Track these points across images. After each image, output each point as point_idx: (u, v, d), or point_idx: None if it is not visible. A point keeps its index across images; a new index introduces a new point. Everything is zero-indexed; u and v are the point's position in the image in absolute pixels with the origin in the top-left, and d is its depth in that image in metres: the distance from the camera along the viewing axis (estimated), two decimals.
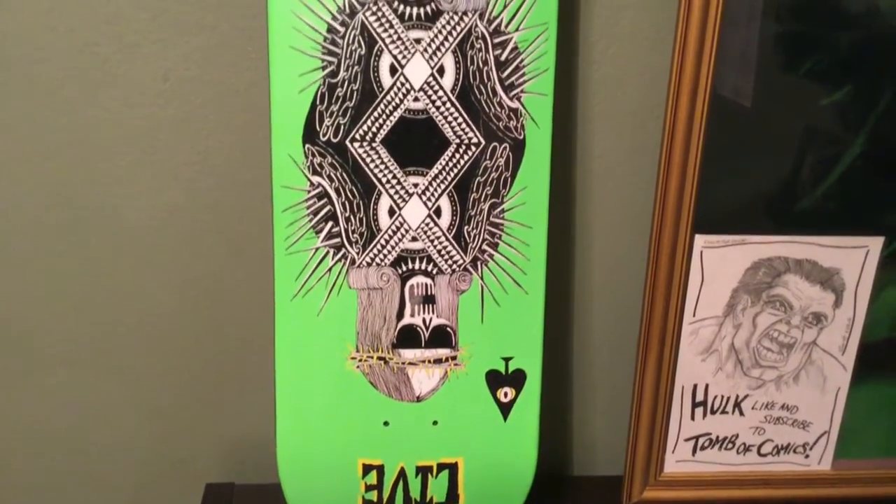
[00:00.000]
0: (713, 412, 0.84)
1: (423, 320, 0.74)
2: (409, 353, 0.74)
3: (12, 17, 0.71)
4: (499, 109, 0.69)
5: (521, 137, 0.70)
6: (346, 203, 0.70)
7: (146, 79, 0.74)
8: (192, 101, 0.75)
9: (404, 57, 0.67)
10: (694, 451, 0.85)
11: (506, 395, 0.76)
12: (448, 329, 0.74)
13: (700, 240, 0.76)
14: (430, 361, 0.75)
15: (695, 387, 0.82)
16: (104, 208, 0.79)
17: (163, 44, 0.73)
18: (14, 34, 0.72)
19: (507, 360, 0.75)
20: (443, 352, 0.75)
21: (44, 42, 0.72)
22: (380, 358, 0.74)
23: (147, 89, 0.74)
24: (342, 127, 0.68)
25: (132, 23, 0.72)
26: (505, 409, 0.77)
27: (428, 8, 0.66)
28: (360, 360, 0.74)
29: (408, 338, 0.74)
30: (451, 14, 0.66)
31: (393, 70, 0.67)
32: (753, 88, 0.71)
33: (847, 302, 0.80)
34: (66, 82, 0.74)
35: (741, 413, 0.84)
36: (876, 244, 0.77)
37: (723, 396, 0.83)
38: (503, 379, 0.76)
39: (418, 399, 0.76)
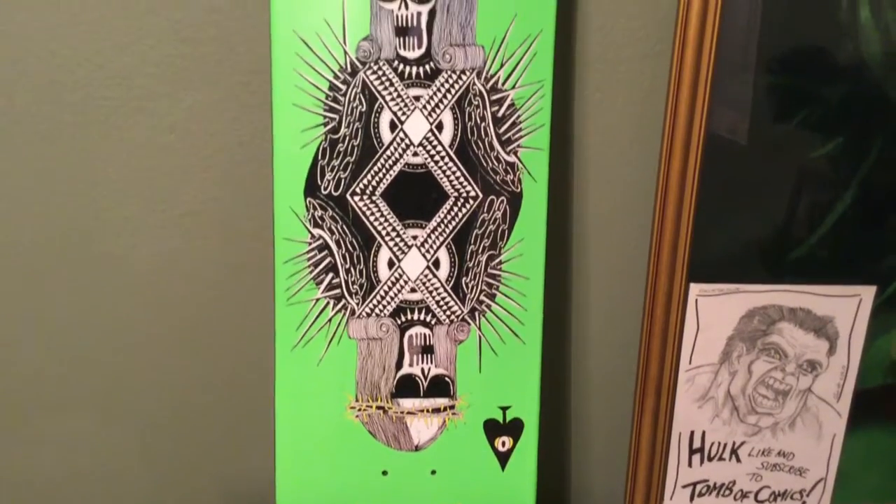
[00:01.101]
0: (710, 459, 0.84)
1: (422, 370, 0.74)
2: (407, 403, 0.75)
3: (23, 71, 0.73)
4: (496, 164, 0.70)
5: (518, 191, 0.71)
6: (347, 255, 0.71)
7: (152, 131, 0.76)
8: (196, 153, 0.77)
9: (404, 113, 0.68)
10: (692, 498, 0.85)
11: (504, 444, 0.77)
12: (446, 379, 0.75)
13: (695, 288, 0.78)
14: (428, 411, 0.75)
15: (692, 434, 0.83)
16: (108, 256, 0.80)
17: (169, 98, 0.75)
18: (24, 86, 0.74)
19: (504, 409, 0.76)
20: (441, 401, 0.75)
21: (54, 95, 0.74)
22: (379, 407, 0.75)
23: (152, 141, 0.76)
24: (343, 181, 0.70)
25: (139, 77, 0.74)
26: (503, 458, 0.77)
27: (427, 66, 0.68)
28: (360, 410, 0.75)
29: (407, 387, 0.75)
30: (449, 72, 0.68)
31: (393, 126, 0.69)
32: (748, 132, 0.73)
33: (841, 349, 0.80)
34: (74, 134, 0.75)
35: (738, 460, 0.84)
36: (868, 293, 0.79)
37: (719, 443, 0.83)
38: (501, 428, 0.76)
39: (417, 448, 0.76)
